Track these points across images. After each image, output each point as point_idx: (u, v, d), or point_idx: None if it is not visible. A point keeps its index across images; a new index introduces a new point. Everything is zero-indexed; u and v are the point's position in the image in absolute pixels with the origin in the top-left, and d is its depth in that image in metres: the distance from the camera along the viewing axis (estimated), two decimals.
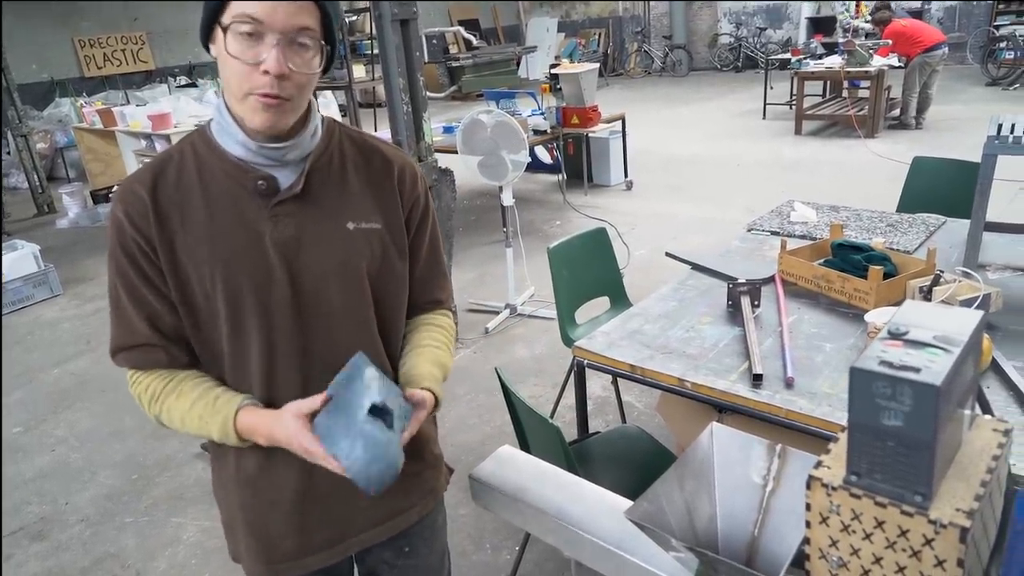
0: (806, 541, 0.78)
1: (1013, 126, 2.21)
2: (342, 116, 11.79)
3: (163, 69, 11.84)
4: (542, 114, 6.03)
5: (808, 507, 0.76)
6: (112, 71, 11.27)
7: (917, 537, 0.68)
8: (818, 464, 0.76)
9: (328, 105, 11.42)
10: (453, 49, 13.31)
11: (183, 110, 7.14)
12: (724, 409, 1.84)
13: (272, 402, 1.07)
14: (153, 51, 11.74)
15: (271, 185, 1.04)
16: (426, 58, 12.19)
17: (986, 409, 0.79)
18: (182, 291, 1.03)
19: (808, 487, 0.75)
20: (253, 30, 0.93)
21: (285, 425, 1.00)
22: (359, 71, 10.24)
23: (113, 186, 7.70)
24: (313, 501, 1.14)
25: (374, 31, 3.41)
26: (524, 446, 1.95)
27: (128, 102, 9.93)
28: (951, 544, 0.66)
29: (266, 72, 0.94)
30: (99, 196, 7.63)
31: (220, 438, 1.05)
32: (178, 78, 11.83)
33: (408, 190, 1.16)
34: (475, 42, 13.27)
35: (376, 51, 4.79)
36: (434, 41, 13.05)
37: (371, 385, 0.98)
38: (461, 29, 12.39)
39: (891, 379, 0.66)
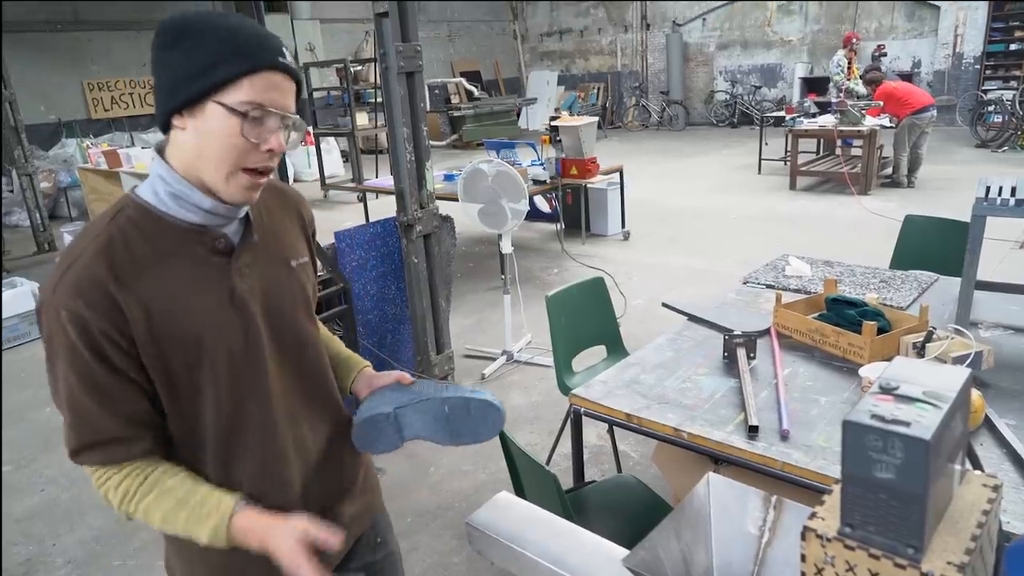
0: None
1: (1001, 188, 2.27)
2: (344, 162, 11.98)
3: None
4: (542, 164, 6.15)
5: (803, 558, 0.77)
6: (119, 113, 11.47)
7: None
8: (813, 515, 0.78)
9: (331, 151, 11.61)
10: (455, 99, 13.60)
11: None
12: (720, 460, 1.85)
13: (272, 450, 1.11)
14: None
15: (227, 243, 1.06)
16: (428, 107, 12.48)
17: (976, 464, 0.81)
18: (162, 369, 1.01)
19: (803, 538, 0.76)
20: (260, 115, 0.98)
21: (284, 540, 1.01)
22: (362, 119, 10.48)
23: None
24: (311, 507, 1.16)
25: (379, 81, 3.51)
26: (520, 493, 1.95)
27: (133, 144, 10.09)
28: None
29: (269, 151, 1.00)
30: None
31: (208, 542, 1.03)
32: None
33: (310, 220, 1.27)
34: (476, 93, 13.59)
35: (380, 100, 4.90)
36: (436, 91, 13.35)
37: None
38: (463, 80, 12.69)
39: (882, 432, 0.68)
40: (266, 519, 1.04)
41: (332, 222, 5.72)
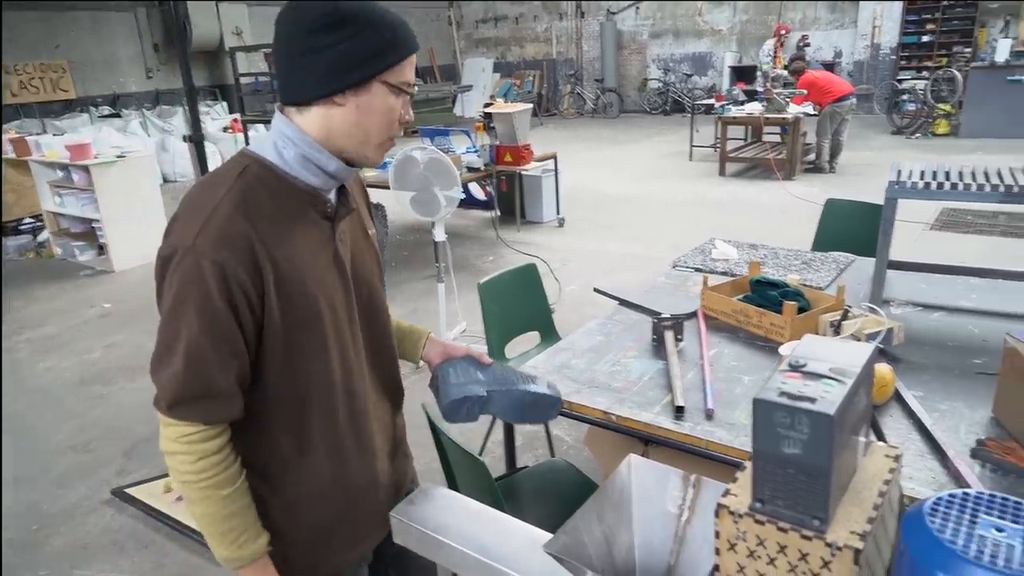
0: (716, 568, 0.80)
1: (911, 172, 2.37)
2: None
3: (84, 98, 11.44)
4: (476, 152, 6.11)
5: (717, 535, 0.78)
6: (29, 99, 10.81)
7: (816, 560, 0.71)
8: (726, 492, 0.79)
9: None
10: None
11: (104, 140, 6.89)
12: (649, 441, 1.87)
13: (364, 410, 1.21)
14: (74, 80, 11.34)
15: (332, 208, 1.14)
16: None
17: (880, 436, 0.83)
18: (282, 325, 1.06)
19: (716, 515, 0.77)
20: (408, 92, 1.11)
21: None
22: None
23: (24, 218, 7.32)
24: (388, 476, 1.30)
25: None
26: (452, 484, 1.93)
27: (45, 131, 9.53)
28: (846, 566, 0.69)
29: (403, 122, 1.12)
30: (8, 228, 7.24)
31: (220, 558, 1.11)
32: (100, 108, 11.44)
33: (368, 199, 1.37)
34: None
35: None
36: None
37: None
38: None
39: (789, 409, 0.69)
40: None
41: None
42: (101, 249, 6.41)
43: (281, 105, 1.10)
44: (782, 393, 0.71)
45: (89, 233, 6.61)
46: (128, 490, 2.95)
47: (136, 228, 6.15)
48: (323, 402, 1.14)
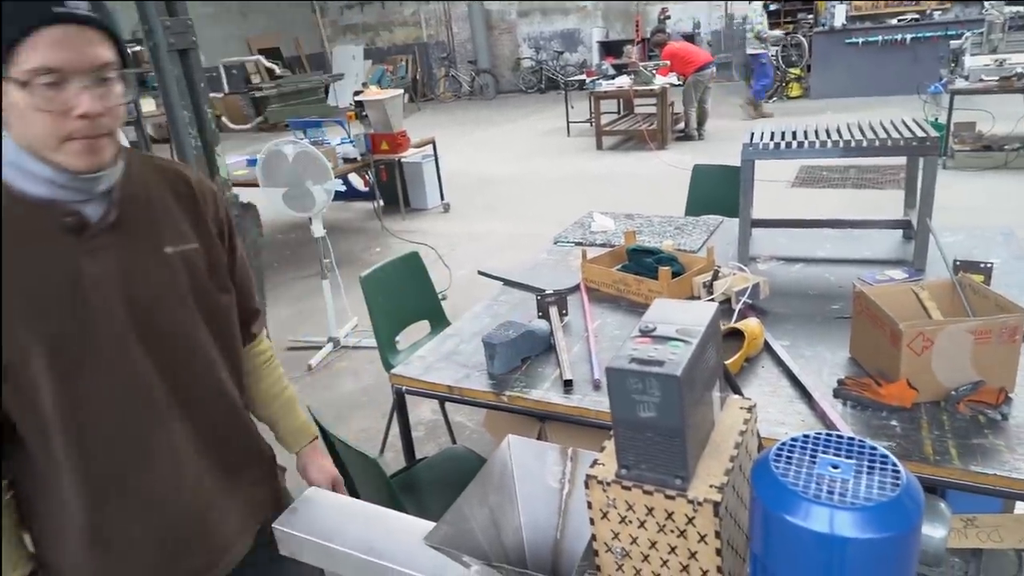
0: (593, 537, 0.81)
1: (763, 134, 2.51)
2: None
3: None
4: (351, 142, 5.95)
5: (589, 505, 0.79)
6: None
7: (681, 517, 0.73)
8: (594, 463, 0.80)
9: (121, 142, 10.47)
10: (255, 79, 12.76)
11: None
12: (545, 418, 1.90)
13: (147, 455, 1.04)
14: None
15: (80, 220, 0.97)
16: (226, 89, 11.59)
17: (735, 389, 0.88)
18: None
19: (587, 486, 0.78)
20: (56, 80, 0.88)
21: None
22: (149, 105, 9.50)
23: None
24: (181, 527, 1.10)
25: None
26: (352, 487, 1.89)
27: None
28: (708, 519, 0.72)
29: (83, 116, 0.90)
30: None
31: None
32: None
33: (212, 208, 1.15)
34: (278, 71, 12.84)
35: None
36: (234, 71, 12.43)
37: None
38: (262, 58, 11.92)
39: (640, 374, 0.71)
40: None
41: None
42: None
43: None
44: (632, 359, 0.73)
45: None
46: None
47: None
48: (62, 435, 0.98)
